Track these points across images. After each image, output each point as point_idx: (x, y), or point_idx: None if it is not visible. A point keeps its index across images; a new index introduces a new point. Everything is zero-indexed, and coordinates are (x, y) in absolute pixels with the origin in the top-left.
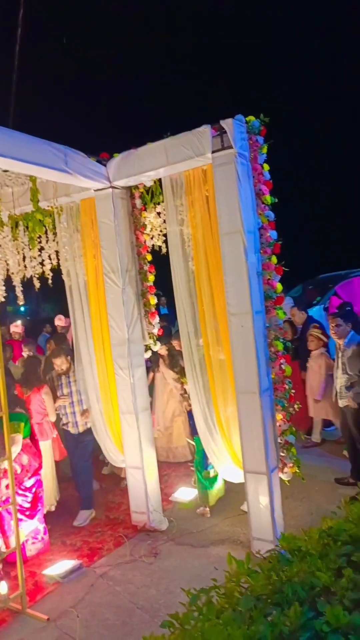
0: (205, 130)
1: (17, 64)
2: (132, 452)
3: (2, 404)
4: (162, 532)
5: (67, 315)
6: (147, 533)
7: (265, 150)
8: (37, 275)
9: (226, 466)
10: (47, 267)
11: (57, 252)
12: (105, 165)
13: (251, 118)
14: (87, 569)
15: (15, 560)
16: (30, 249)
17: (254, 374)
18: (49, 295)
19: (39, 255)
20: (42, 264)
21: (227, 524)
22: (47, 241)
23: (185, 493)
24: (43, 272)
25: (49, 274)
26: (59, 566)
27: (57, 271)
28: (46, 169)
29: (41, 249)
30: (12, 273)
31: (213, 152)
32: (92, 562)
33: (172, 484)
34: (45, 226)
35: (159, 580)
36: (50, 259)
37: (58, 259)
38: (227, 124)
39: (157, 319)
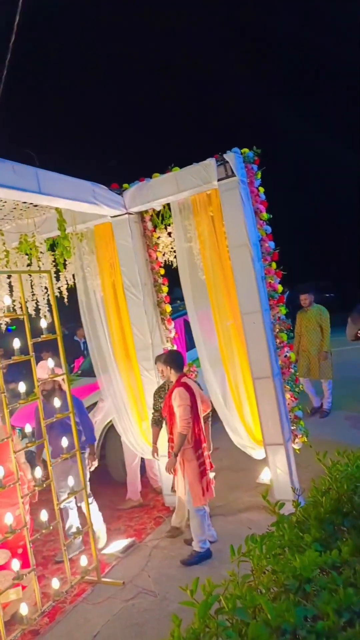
0: (211, 162)
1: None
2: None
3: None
4: None
5: None
6: None
7: (259, 175)
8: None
9: (245, 443)
10: (64, 287)
11: (73, 275)
12: (121, 195)
13: (245, 150)
14: (141, 544)
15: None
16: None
17: (266, 362)
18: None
19: (56, 277)
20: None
21: (248, 495)
22: (64, 265)
23: None
24: (60, 292)
25: (65, 294)
26: (115, 545)
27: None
28: (79, 202)
29: (58, 272)
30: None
31: (219, 180)
32: (142, 540)
33: None
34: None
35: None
36: (66, 280)
37: (74, 280)
38: (229, 157)
39: (172, 324)
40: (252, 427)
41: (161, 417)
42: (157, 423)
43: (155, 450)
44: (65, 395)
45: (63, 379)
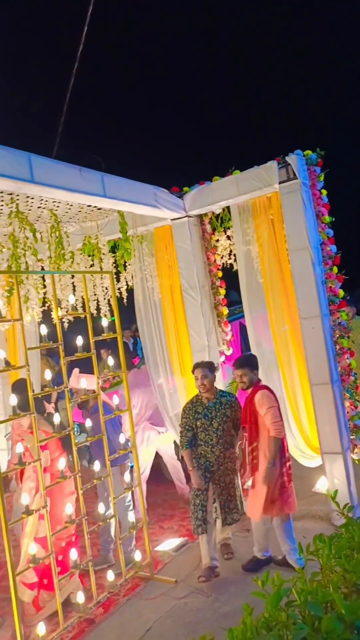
0: (273, 165)
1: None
2: None
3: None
4: None
5: None
6: None
7: (322, 178)
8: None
9: (302, 451)
10: (123, 288)
11: (132, 276)
12: (181, 198)
13: (308, 152)
14: (193, 544)
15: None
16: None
17: (325, 368)
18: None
19: (117, 278)
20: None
21: (303, 504)
22: (124, 267)
23: None
24: (120, 293)
25: (125, 295)
26: (168, 543)
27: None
28: (141, 206)
29: (118, 273)
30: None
31: (280, 182)
32: (194, 540)
33: None
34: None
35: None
36: (126, 281)
37: (133, 281)
38: (292, 159)
39: (229, 326)
40: (309, 435)
41: (193, 436)
42: (190, 443)
43: (197, 476)
44: (105, 405)
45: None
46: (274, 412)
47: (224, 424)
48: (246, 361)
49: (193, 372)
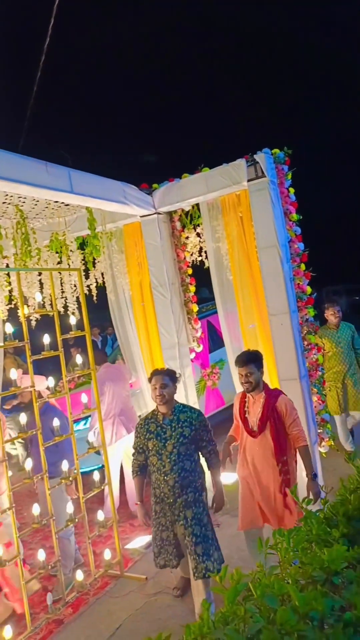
0: (241, 162)
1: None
2: None
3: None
4: None
5: None
6: None
7: (289, 176)
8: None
9: None
10: (93, 286)
11: (102, 273)
12: (150, 195)
13: (276, 151)
14: None
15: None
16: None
17: (294, 363)
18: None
19: (85, 275)
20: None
21: None
22: (93, 264)
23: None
24: (90, 290)
25: (94, 292)
26: (138, 541)
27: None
28: (110, 202)
29: (87, 270)
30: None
31: (248, 180)
32: None
33: None
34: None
35: (229, 544)
36: (95, 278)
37: (103, 278)
38: (260, 157)
39: (199, 324)
40: None
41: (145, 461)
42: (142, 470)
43: (141, 514)
44: (53, 409)
45: (49, 389)
46: (299, 421)
47: (181, 446)
48: (253, 357)
49: (150, 380)
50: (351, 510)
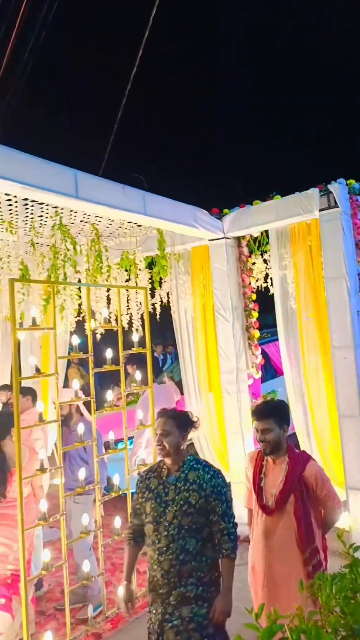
0: (314, 192)
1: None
2: (236, 468)
3: None
4: None
5: None
6: None
7: None
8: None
9: None
10: (157, 305)
11: (167, 293)
12: (220, 219)
13: (351, 182)
14: None
15: None
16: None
17: (355, 400)
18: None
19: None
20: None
21: None
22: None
23: None
24: (154, 309)
25: (158, 311)
26: None
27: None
28: (180, 225)
29: (153, 289)
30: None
31: (320, 210)
32: None
33: None
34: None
35: None
36: (160, 297)
37: (168, 298)
38: (334, 187)
39: (259, 350)
40: (332, 468)
41: (143, 526)
42: (138, 537)
43: (130, 593)
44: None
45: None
46: (334, 491)
47: (184, 516)
48: (273, 409)
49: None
50: None
